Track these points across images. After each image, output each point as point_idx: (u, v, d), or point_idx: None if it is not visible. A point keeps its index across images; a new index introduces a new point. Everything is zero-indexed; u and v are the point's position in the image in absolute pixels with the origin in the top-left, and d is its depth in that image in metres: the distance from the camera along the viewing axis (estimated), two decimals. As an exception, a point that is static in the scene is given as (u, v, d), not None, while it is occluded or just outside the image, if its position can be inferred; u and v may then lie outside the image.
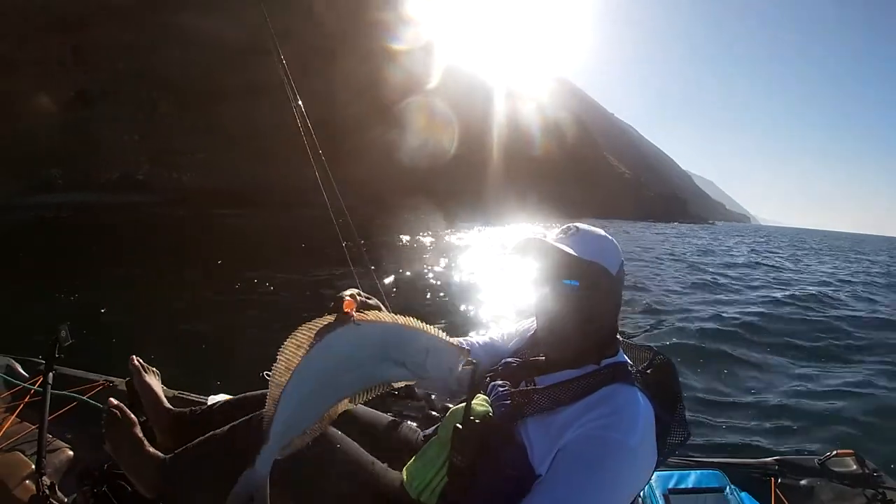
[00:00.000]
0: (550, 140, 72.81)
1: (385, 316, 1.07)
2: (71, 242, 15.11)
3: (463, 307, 7.98)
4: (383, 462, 1.25)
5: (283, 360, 1.02)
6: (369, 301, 1.19)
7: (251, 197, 31.88)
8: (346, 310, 1.03)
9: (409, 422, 1.47)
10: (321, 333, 1.02)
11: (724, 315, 8.23)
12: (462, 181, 49.98)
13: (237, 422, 1.31)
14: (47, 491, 1.49)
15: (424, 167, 44.74)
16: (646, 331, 7.15)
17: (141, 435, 1.39)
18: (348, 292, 1.12)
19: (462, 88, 51.86)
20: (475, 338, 1.51)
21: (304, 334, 1.03)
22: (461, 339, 1.42)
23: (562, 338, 1.17)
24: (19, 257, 11.34)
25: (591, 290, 1.13)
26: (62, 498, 1.52)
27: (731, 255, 24.78)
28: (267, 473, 1.01)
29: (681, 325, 7.39)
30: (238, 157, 34.69)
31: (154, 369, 1.75)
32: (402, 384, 1.11)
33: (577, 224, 1.21)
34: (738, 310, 8.96)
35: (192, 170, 33.49)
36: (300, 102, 2.33)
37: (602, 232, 1.20)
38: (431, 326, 1.06)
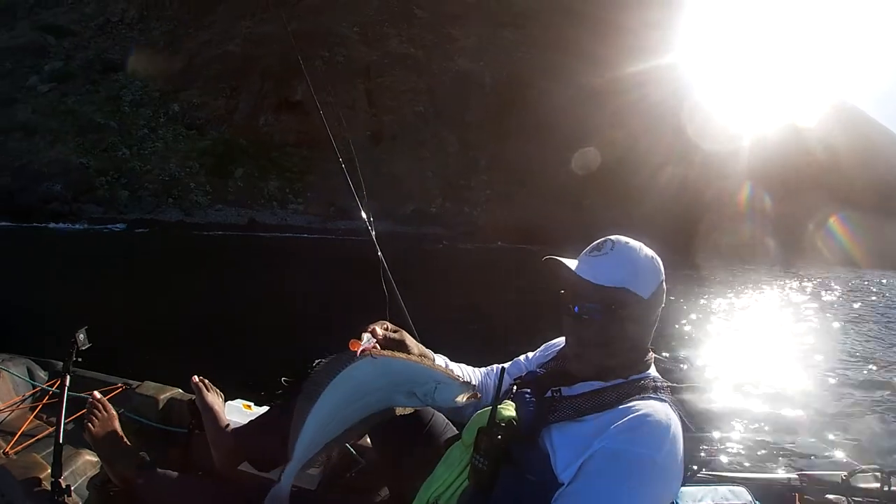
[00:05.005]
0: (841, 176, 60.13)
1: (400, 354, 1.17)
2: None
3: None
4: (420, 452, 1.28)
5: (308, 388, 1.12)
6: (394, 335, 1.25)
7: (533, 233, 30.37)
8: (351, 348, 1.11)
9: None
10: (343, 365, 1.12)
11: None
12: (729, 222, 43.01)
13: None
14: (62, 493, 1.48)
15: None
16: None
17: (120, 430, 1.55)
18: (374, 326, 1.20)
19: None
20: (500, 364, 1.44)
21: (330, 364, 1.13)
22: (486, 368, 1.47)
23: (584, 357, 1.13)
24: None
25: (614, 316, 1.08)
26: (77, 500, 1.54)
27: None
28: (289, 486, 1.14)
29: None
30: (523, 195, 33.18)
31: (217, 389, 1.78)
32: (412, 409, 1.21)
33: (614, 238, 1.13)
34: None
35: (480, 206, 32.65)
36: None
37: (640, 248, 1.13)
38: (438, 365, 1.19)
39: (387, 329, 1.24)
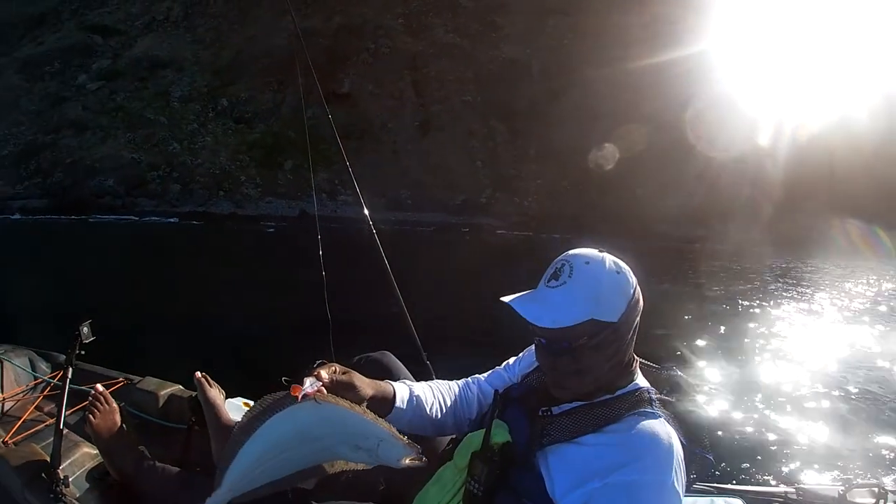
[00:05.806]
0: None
1: (344, 402, 1.07)
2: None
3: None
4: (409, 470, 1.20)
5: (247, 420, 1.05)
6: (343, 377, 1.13)
7: (587, 223, 29.53)
8: (293, 393, 1.02)
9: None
10: (284, 403, 1.04)
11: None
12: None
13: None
14: (60, 484, 1.47)
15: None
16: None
17: (122, 424, 1.56)
18: (319, 369, 1.09)
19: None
20: (479, 376, 1.43)
21: (271, 401, 1.05)
22: (463, 381, 1.41)
23: (562, 385, 1.09)
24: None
25: (585, 348, 1.02)
26: (74, 492, 1.53)
27: None
28: None
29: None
30: (574, 184, 32.41)
31: (218, 386, 1.75)
32: (361, 466, 1.11)
33: (572, 259, 1.05)
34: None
35: (531, 195, 31.91)
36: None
37: (601, 266, 1.04)
38: (382, 420, 1.09)
39: (334, 372, 1.11)
